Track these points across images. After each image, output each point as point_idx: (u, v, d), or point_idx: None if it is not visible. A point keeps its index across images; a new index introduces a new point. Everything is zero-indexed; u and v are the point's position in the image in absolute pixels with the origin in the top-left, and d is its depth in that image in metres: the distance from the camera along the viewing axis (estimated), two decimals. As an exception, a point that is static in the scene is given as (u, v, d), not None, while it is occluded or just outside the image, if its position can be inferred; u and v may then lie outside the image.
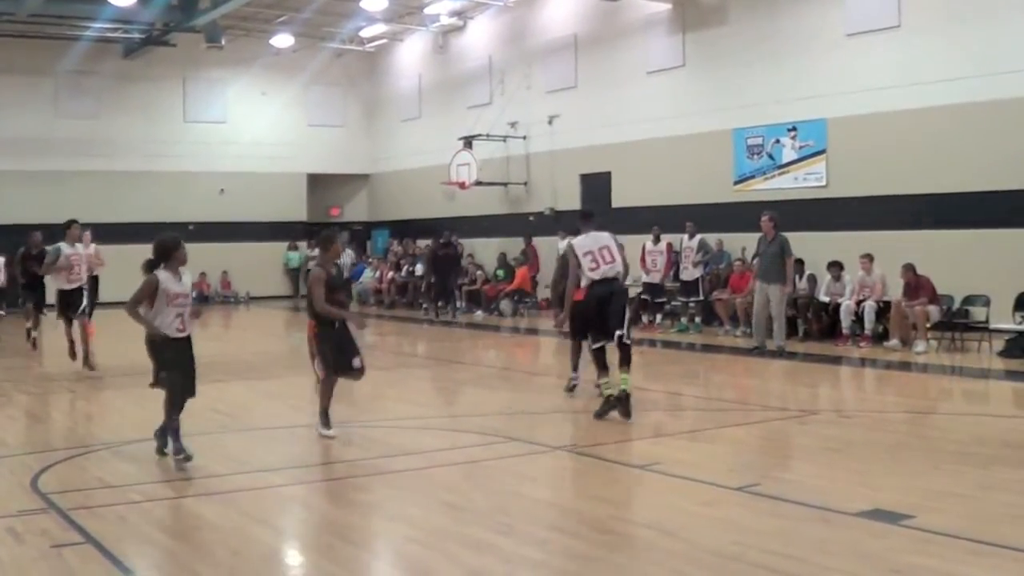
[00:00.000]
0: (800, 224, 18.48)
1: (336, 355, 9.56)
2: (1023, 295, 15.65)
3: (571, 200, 25.58)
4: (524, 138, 27.07)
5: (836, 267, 17.66)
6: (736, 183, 21.44)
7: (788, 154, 20.40)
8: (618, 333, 10.16)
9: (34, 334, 16.89)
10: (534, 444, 9.32)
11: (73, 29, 27.95)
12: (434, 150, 28.92)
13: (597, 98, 24.86)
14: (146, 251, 8.57)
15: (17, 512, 7.05)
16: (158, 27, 27.61)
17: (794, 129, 20.24)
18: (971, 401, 12.66)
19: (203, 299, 28.54)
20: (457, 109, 29.20)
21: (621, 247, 10.73)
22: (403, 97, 32.50)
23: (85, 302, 14.48)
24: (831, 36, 19.53)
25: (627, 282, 10.94)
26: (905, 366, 14.85)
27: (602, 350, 10.39)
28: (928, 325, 16.02)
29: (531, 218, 26.83)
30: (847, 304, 17.05)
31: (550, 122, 26.21)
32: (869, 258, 17.16)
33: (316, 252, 10.69)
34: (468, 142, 26.90)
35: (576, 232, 10.79)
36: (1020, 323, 15.49)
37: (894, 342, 16.22)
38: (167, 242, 8.59)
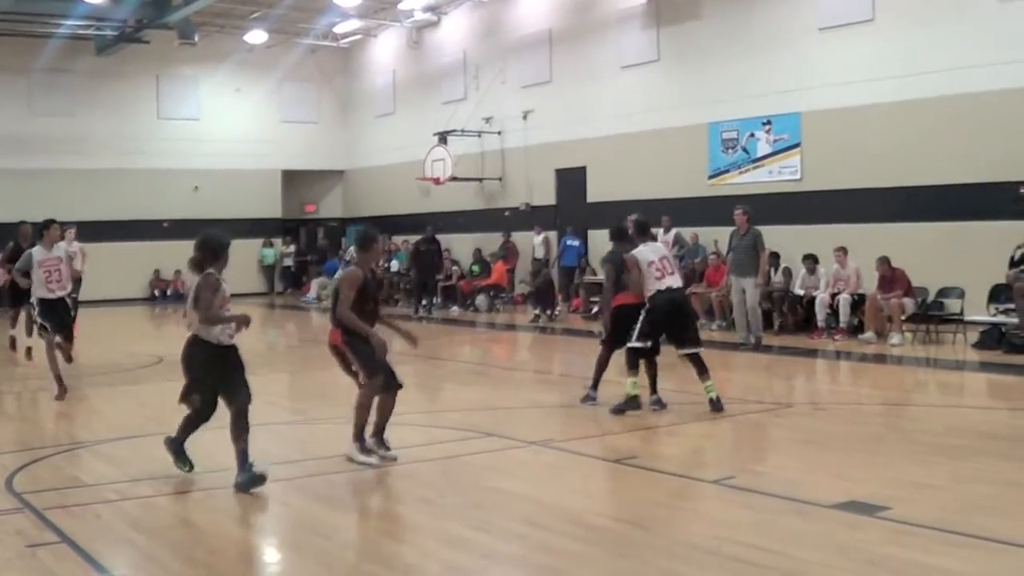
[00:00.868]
0: (775, 217, 18.58)
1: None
2: (997, 287, 15.74)
3: (546, 195, 25.59)
4: (499, 133, 27.05)
5: (811, 260, 17.72)
6: (711, 177, 21.48)
7: (763, 148, 20.47)
8: (697, 351, 10.38)
9: (11, 333, 16.27)
10: (511, 439, 9.33)
11: (46, 27, 27.77)
12: (409, 146, 28.84)
13: (572, 93, 24.84)
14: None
15: (-9, 513, 6.99)
16: (131, 24, 27.41)
17: (769, 123, 20.30)
18: (946, 393, 12.73)
19: (178, 297, 28.36)
20: (432, 105, 29.10)
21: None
22: (377, 93, 32.43)
23: (72, 315, 13.32)
24: (805, 30, 19.59)
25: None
26: (880, 358, 14.92)
27: (644, 352, 10.36)
28: (903, 317, 16.09)
29: (507, 213, 26.80)
30: (822, 297, 17.11)
31: (525, 117, 26.18)
32: (844, 251, 17.23)
33: (352, 251, 9.34)
34: (443, 138, 26.81)
35: (620, 239, 10.81)
36: (994, 315, 15.59)
37: (869, 335, 16.28)
38: (222, 240, 7.65)
